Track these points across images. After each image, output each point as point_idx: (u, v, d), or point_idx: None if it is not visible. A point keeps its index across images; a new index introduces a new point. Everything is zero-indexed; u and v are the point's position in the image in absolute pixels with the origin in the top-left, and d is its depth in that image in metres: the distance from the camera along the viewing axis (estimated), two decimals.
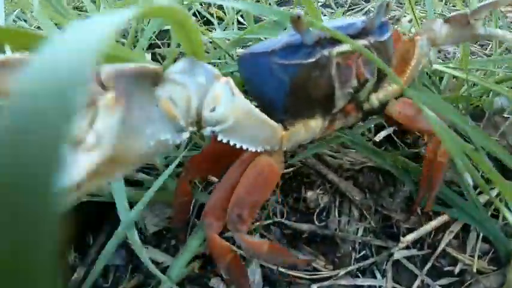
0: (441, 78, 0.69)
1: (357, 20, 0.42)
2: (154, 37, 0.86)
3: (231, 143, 0.33)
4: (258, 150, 0.36)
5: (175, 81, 0.29)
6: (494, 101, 0.65)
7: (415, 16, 0.64)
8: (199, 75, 0.31)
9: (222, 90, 0.31)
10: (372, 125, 0.67)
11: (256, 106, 0.35)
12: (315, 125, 0.43)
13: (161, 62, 0.87)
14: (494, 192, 0.56)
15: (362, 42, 0.41)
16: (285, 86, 0.40)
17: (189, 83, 0.30)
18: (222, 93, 0.31)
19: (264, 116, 0.35)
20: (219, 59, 0.72)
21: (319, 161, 0.61)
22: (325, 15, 1.06)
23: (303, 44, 0.39)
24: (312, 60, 0.39)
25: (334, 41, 0.39)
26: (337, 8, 1.08)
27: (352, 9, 1.12)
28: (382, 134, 0.66)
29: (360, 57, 0.41)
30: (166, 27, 0.88)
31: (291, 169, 0.62)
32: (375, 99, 0.45)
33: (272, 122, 0.37)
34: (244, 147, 0.35)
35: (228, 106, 0.31)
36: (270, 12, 0.52)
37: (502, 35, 0.50)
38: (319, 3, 1.09)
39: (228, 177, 0.42)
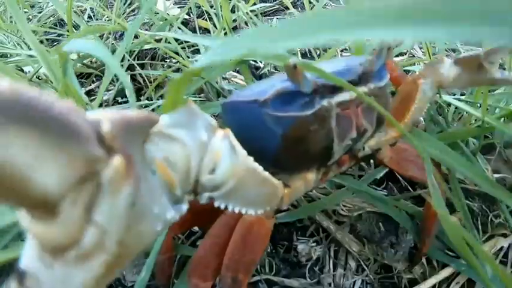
0: (449, 104, 0.63)
1: (355, 62, 0.39)
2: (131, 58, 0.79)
3: (229, 208, 0.29)
4: (258, 213, 0.32)
5: (171, 137, 0.23)
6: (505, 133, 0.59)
7: (429, 53, 0.57)
8: (199, 129, 0.25)
9: (222, 146, 0.26)
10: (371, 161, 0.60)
11: None
12: (310, 178, 0.40)
13: (142, 84, 0.81)
14: None
15: (362, 89, 0.38)
16: (277, 139, 0.37)
17: (188, 140, 0.24)
18: (222, 151, 0.26)
19: (267, 174, 0.31)
20: (199, 93, 0.66)
21: (313, 206, 0.55)
22: None
23: (298, 92, 0.35)
24: (310, 112, 0.36)
25: (333, 89, 0.36)
26: None
27: None
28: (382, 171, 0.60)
29: (359, 106, 0.38)
30: (146, 47, 0.81)
31: (283, 213, 0.56)
32: (369, 146, 0.42)
33: (274, 180, 0.32)
34: (243, 211, 0.30)
35: (228, 166, 0.26)
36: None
37: None
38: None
39: (214, 234, 0.39)
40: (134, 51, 0.84)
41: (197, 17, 1.02)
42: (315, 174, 0.40)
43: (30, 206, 0.14)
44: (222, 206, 0.28)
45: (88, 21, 1.13)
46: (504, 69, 0.74)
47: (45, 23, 1.21)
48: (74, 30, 0.96)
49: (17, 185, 0.12)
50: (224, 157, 0.26)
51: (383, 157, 0.45)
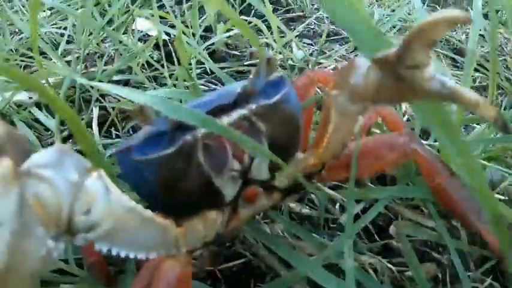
0: None
1: (239, 84, 0.38)
2: None
3: (113, 252, 0.29)
4: (150, 257, 0.32)
5: (40, 177, 0.25)
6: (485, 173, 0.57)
7: None
8: (69, 170, 0.26)
9: (96, 187, 0.27)
10: None
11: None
12: (212, 217, 0.38)
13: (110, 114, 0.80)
14: None
15: (240, 111, 0.36)
16: (153, 185, 0.36)
17: (57, 180, 0.25)
18: (96, 191, 0.27)
19: (149, 214, 0.31)
20: None
21: (271, 253, 0.53)
22: (306, 44, 0.96)
23: (163, 133, 0.35)
24: (172, 149, 0.34)
25: None
26: (315, 38, 0.99)
27: (333, 40, 1.02)
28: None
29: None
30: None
31: (241, 260, 0.54)
32: (284, 177, 0.39)
33: (161, 219, 0.32)
34: (131, 255, 0.30)
35: (103, 206, 0.27)
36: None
37: (469, 97, 0.28)
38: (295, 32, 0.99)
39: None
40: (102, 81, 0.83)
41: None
42: (219, 213, 0.38)
43: None
44: (105, 250, 0.28)
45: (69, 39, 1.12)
46: None
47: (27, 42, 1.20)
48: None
49: None
50: (98, 198, 0.27)
51: (322, 178, 0.43)
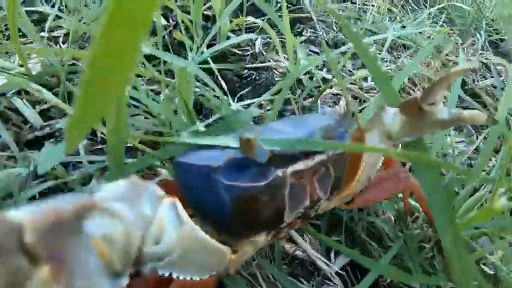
0: None
1: (316, 126, 0.40)
2: None
3: (174, 276, 0.31)
4: (203, 278, 0.34)
5: (111, 212, 0.24)
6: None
7: None
8: (143, 203, 0.26)
9: (167, 216, 0.28)
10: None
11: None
12: (259, 240, 0.41)
13: None
14: None
15: (321, 157, 0.40)
16: (227, 208, 0.37)
17: (129, 216, 0.25)
18: (167, 221, 0.28)
19: (213, 242, 0.33)
20: None
21: None
22: (311, 52, 0.92)
23: (252, 160, 0.37)
24: (264, 183, 0.37)
25: (289, 157, 0.38)
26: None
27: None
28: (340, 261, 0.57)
29: (315, 175, 0.40)
30: None
31: None
32: (322, 208, 0.44)
33: (221, 246, 0.35)
34: (188, 278, 0.32)
35: (173, 237, 0.28)
36: None
37: (471, 116, 0.41)
38: (302, 37, 0.94)
39: None
40: None
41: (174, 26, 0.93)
42: (265, 237, 0.41)
43: None
44: (166, 274, 0.30)
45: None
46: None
47: None
48: None
49: None
50: (169, 227, 0.27)
51: (341, 205, 0.48)
